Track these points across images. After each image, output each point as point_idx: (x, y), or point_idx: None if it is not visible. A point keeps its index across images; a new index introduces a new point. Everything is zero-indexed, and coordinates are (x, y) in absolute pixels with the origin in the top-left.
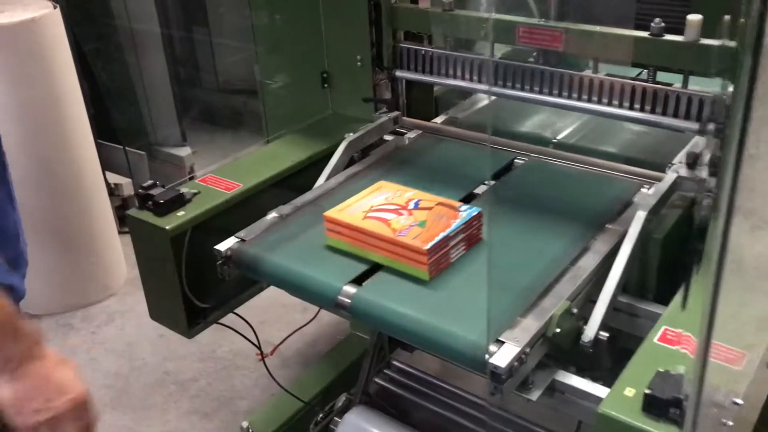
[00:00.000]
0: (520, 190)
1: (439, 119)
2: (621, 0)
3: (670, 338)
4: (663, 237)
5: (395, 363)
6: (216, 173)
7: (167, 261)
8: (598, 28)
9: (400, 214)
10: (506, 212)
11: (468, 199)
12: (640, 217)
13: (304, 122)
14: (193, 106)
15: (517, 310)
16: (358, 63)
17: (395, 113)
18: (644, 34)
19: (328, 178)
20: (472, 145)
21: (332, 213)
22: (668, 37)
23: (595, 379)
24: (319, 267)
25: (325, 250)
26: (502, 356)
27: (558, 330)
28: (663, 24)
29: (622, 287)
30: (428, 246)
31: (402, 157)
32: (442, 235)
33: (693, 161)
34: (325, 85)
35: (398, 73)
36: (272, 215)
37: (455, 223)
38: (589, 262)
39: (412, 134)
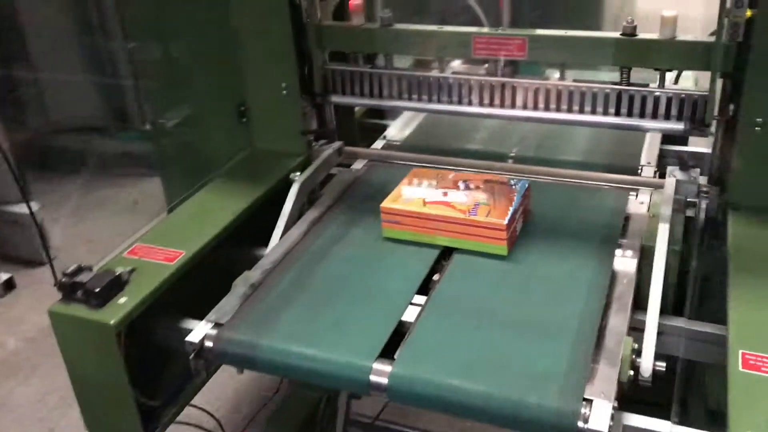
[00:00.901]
0: None
1: (378, 144)
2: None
3: (754, 364)
4: (681, 248)
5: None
6: (145, 242)
7: (113, 362)
8: (566, 33)
9: (458, 196)
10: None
11: None
12: (664, 230)
13: (222, 164)
14: (28, 152)
15: (585, 356)
16: (284, 91)
17: (338, 144)
18: (616, 35)
19: (286, 228)
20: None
21: (389, 203)
22: (643, 36)
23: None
24: (333, 342)
25: (331, 316)
26: (598, 419)
27: (632, 373)
28: (635, 23)
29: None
30: (506, 221)
31: (367, 191)
32: (512, 209)
33: (685, 163)
34: (244, 119)
35: (335, 99)
36: (240, 288)
37: (516, 197)
38: (624, 287)
39: (357, 165)
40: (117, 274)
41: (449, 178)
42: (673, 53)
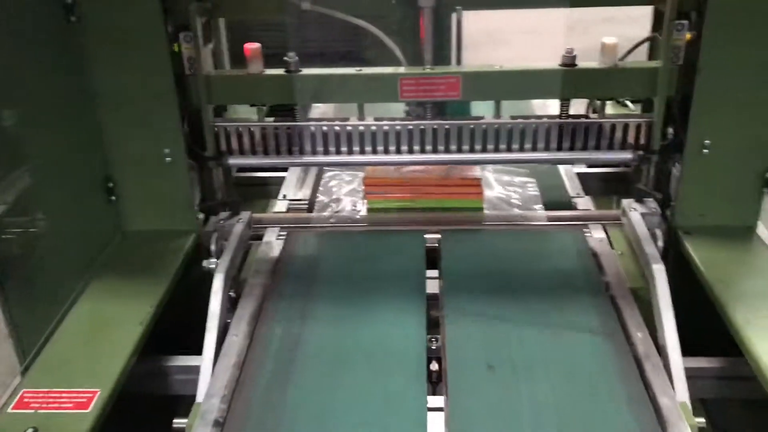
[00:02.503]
0: (477, 272)
1: (281, 206)
2: None
3: None
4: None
5: None
6: (34, 386)
7: None
8: (503, 68)
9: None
10: (494, 302)
11: (432, 308)
12: (660, 270)
13: (88, 260)
14: None
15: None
16: (167, 158)
17: (246, 215)
18: (555, 66)
19: (220, 331)
20: (356, 233)
21: (371, 176)
22: (584, 65)
23: None
24: None
25: None
26: None
27: None
28: (575, 53)
29: None
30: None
31: (298, 273)
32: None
33: (640, 194)
34: (112, 197)
35: (232, 161)
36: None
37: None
38: (644, 340)
39: (270, 236)
40: None
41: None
42: (616, 81)
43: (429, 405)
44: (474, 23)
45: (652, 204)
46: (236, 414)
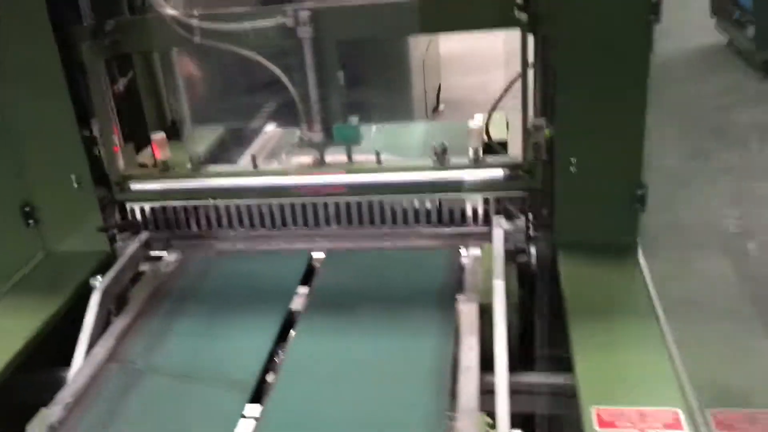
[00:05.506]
0: (345, 289)
1: None
2: None
3: (609, 420)
4: (519, 300)
5: None
6: None
7: None
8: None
9: None
10: (348, 319)
11: (290, 319)
12: (499, 286)
13: (7, 276)
14: None
15: None
16: (75, 184)
17: (144, 235)
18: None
19: (91, 345)
20: (246, 253)
21: None
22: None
23: None
24: None
25: None
26: None
27: None
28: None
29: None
30: None
31: (179, 292)
32: None
33: (508, 212)
34: (30, 221)
35: (135, 187)
36: None
37: None
38: (470, 353)
39: (170, 257)
40: None
41: None
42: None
43: (245, 413)
44: None
45: (521, 221)
46: (71, 421)
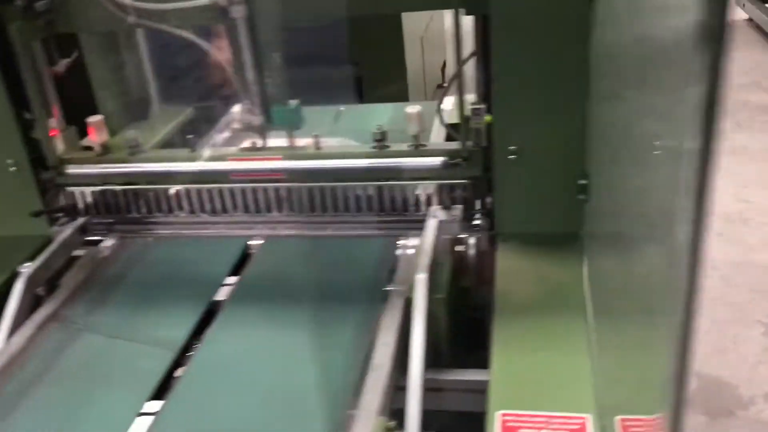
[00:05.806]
0: (273, 279)
1: None
2: None
3: (512, 426)
4: (447, 295)
5: None
6: None
7: None
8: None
9: None
10: (270, 311)
11: (210, 311)
12: (421, 280)
13: None
14: None
15: None
16: (11, 168)
17: (81, 220)
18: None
19: (11, 333)
20: (193, 238)
21: None
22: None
23: None
24: None
25: None
26: None
27: None
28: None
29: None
30: None
31: (107, 279)
32: None
33: (447, 201)
34: None
35: (71, 171)
36: None
37: None
38: (385, 351)
39: (108, 242)
40: None
41: None
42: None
43: (143, 410)
44: None
45: (456, 211)
46: None
